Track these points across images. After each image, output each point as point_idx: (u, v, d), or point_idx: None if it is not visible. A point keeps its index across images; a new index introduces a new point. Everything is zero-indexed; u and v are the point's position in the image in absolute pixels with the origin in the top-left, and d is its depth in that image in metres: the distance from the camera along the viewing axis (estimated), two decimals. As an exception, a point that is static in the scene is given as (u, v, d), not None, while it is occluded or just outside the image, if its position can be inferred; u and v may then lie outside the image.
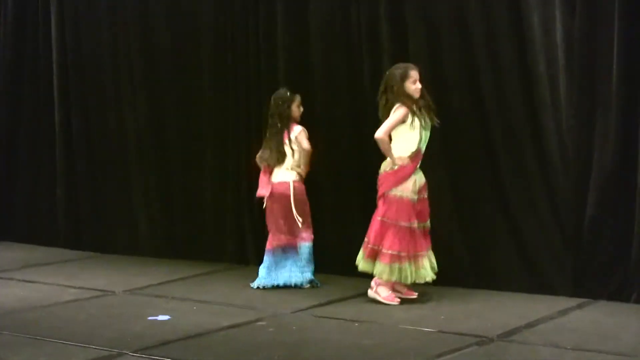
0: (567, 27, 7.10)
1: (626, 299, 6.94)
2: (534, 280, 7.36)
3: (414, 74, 7.04)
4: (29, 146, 10.27)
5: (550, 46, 7.18)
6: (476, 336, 6.10)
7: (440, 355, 5.71)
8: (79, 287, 7.91)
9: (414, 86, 7.03)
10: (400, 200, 7.06)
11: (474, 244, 7.65)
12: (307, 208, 7.78)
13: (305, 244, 7.75)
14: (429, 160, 7.51)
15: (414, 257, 7.05)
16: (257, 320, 6.68)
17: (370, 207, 7.63)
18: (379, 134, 7.07)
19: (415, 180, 7.09)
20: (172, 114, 9.21)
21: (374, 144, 7.38)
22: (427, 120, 7.09)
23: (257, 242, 8.65)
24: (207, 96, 8.99)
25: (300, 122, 7.77)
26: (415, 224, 7.06)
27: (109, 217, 9.70)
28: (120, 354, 5.88)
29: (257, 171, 8.11)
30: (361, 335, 6.24)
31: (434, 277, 7.11)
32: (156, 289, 7.83)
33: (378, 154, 7.27)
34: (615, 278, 7.03)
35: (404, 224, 7.04)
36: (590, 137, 7.07)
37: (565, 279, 7.21)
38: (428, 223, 7.19)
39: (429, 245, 7.17)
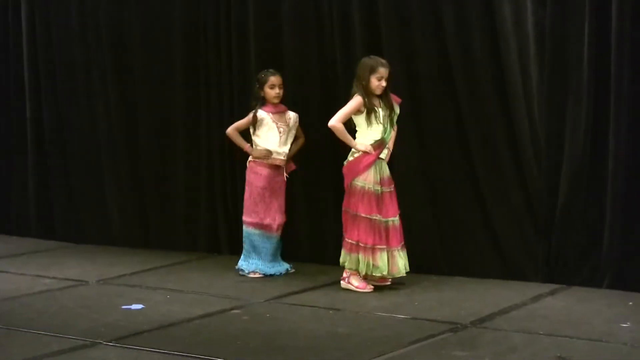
0: (538, 17, 7.13)
1: (598, 285, 6.99)
2: (506, 267, 7.41)
3: (382, 71, 7.06)
4: (0, 138, 10.19)
5: (522, 36, 7.21)
6: (450, 323, 6.14)
7: (414, 342, 5.74)
8: (52, 277, 7.88)
9: (377, 82, 7.06)
10: (361, 190, 7.10)
11: (447, 232, 7.69)
12: (253, 190, 7.81)
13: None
14: (401, 149, 7.56)
15: (371, 250, 7.07)
16: (232, 309, 6.68)
17: (341, 195, 7.66)
18: (331, 121, 7.16)
19: (377, 171, 7.11)
20: (144, 104, 9.17)
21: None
22: (391, 115, 7.13)
23: (229, 231, 8.66)
24: (178, 87, 8.96)
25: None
26: (375, 217, 7.07)
27: (81, 207, 9.67)
28: (94, 344, 5.86)
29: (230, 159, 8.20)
30: (335, 323, 6.26)
31: (397, 273, 7.13)
32: (129, 279, 7.82)
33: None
34: (587, 265, 7.08)
35: (362, 214, 7.07)
36: (562, 126, 7.11)
37: (537, 266, 7.26)
38: (396, 219, 7.16)
39: (397, 243, 7.14)
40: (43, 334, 6.10)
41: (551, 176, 7.17)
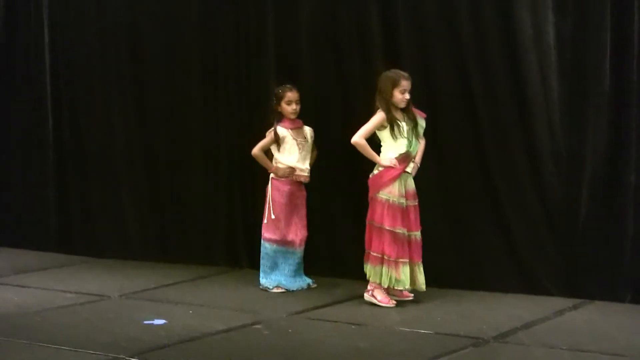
0: (560, 27, 7.12)
1: (621, 299, 6.96)
2: (528, 281, 7.37)
3: (405, 83, 7.06)
4: (21, 152, 10.24)
5: (543, 47, 7.20)
6: (472, 338, 6.12)
7: (436, 357, 5.72)
8: (74, 292, 7.89)
9: (401, 95, 7.05)
10: (385, 203, 7.09)
11: (467, 245, 7.66)
12: (276, 206, 7.79)
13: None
14: (420, 161, 7.54)
15: (394, 263, 7.05)
16: (253, 323, 6.67)
17: (362, 210, 7.64)
18: (354, 138, 7.17)
19: (402, 184, 7.10)
20: (162, 117, 9.19)
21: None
22: (416, 128, 7.14)
23: (250, 245, 8.65)
24: (197, 99, 8.98)
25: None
26: (399, 230, 7.06)
27: (100, 221, 9.68)
28: (116, 359, 5.86)
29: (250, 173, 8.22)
30: (357, 338, 6.23)
31: (418, 288, 7.14)
32: (151, 294, 7.82)
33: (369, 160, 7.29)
34: (610, 278, 7.05)
35: (387, 227, 7.06)
36: (583, 137, 7.09)
37: (559, 279, 7.23)
38: (418, 233, 7.17)
39: (419, 257, 7.15)
40: (64, 348, 6.09)
41: (572, 188, 7.14)
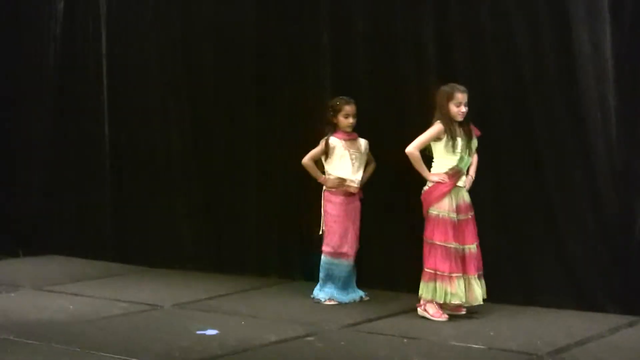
0: (617, 41, 7.05)
1: (677, 317, 6.88)
2: (583, 297, 7.29)
3: (460, 96, 7.05)
4: (78, 160, 10.36)
5: (600, 61, 7.14)
6: (525, 354, 6.07)
7: (489, 373, 5.70)
8: (128, 301, 7.95)
9: (457, 108, 7.05)
10: (436, 218, 7.09)
11: (521, 260, 7.60)
12: (329, 218, 7.81)
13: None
14: (476, 174, 7.52)
15: (448, 278, 7.03)
16: (306, 335, 6.67)
17: (415, 222, 7.62)
18: (409, 148, 7.18)
19: (453, 198, 7.09)
20: (217, 127, 9.25)
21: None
22: (469, 144, 7.13)
23: (303, 257, 8.66)
24: (252, 108, 9.02)
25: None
26: (452, 245, 7.04)
27: (154, 231, 9.75)
28: (169, 368, 5.91)
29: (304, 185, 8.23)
30: (410, 352, 6.21)
31: (474, 301, 7.10)
32: (204, 304, 7.85)
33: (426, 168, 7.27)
34: (666, 295, 6.97)
35: (438, 242, 7.06)
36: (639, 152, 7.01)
37: (615, 296, 7.15)
38: (473, 246, 7.13)
39: (474, 270, 7.10)
40: (117, 357, 6.13)
41: (629, 203, 7.07)
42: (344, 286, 7.79)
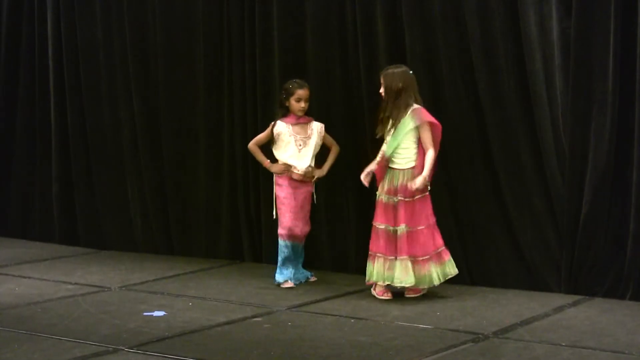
0: (564, 25, 7.10)
1: (622, 296, 6.95)
2: (529, 277, 7.38)
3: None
4: (25, 143, 10.27)
5: (547, 44, 7.19)
6: (472, 333, 6.12)
7: (435, 352, 5.72)
8: (75, 283, 7.91)
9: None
10: (377, 200, 7.19)
11: (469, 241, 7.66)
12: (279, 202, 7.76)
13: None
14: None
15: (373, 257, 7.14)
16: (253, 316, 6.68)
17: (363, 205, 7.66)
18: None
19: (386, 181, 7.16)
20: (167, 111, 9.19)
21: (370, 142, 7.44)
22: (393, 127, 7.15)
23: (252, 239, 8.67)
24: (201, 93, 8.98)
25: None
26: (380, 225, 7.13)
27: (104, 213, 9.70)
28: (116, 350, 5.88)
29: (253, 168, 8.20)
30: (357, 332, 6.24)
31: (392, 283, 7.07)
32: (152, 285, 7.83)
33: (373, 153, 7.29)
34: (611, 275, 7.04)
35: (375, 224, 7.18)
36: (586, 135, 7.07)
37: (560, 276, 7.23)
38: (402, 227, 7.05)
39: (401, 252, 7.03)
40: (65, 339, 6.12)
41: (575, 185, 7.13)
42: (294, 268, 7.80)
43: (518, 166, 7.40)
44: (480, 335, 6.06)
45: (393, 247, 7.08)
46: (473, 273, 7.61)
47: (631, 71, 6.89)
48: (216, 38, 8.85)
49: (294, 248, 7.75)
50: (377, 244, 7.13)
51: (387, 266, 7.07)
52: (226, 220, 8.92)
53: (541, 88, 7.22)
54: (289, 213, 7.70)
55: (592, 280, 7.09)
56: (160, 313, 6.80)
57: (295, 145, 7.67)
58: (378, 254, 7.11)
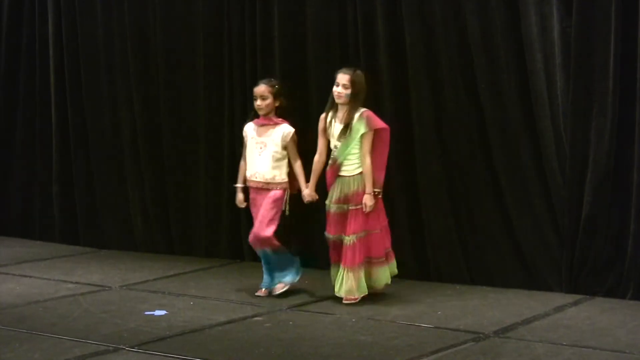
0: (564, 25, 7.10)
1: (622, 296, 6.96)
2: (530, 277, 7.38)
3: (338, 77, 7.02)
4: (26, 142, 10.27)
5: (547, 43, 7.18)
6: (472, 332, 6.12)
7: (436, 352, 5.72)
8: (75, 282, 7.92)
9: (334, 89, 7.04)
10: (326, 211, 7.13)
11: (470, 241, 7.66)
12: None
13: None
14: (424, 157, 7.56)
15: (334, 268, 7.11)
16: (254, 316, 6.69)
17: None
18: None
19: (336, 190, 7.02)
20: (167, 111, 9.19)
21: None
22: (349, 133, 6.95)
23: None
24: (202, 95, 8.98)
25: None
26: (327, 235, 7.09)
27: (104, 213, 9.70)
28: (116, 349, 5.88)
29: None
30: (357, 332, 6.24)
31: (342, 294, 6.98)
32: (152, 285, 7.84)
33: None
34: (611, 275, 7.05)
35: (325, 234, 7.15)
36: (587, 135, 7.07)
37: (561, 276, 7.23)
38: (345, 237, 6.94)
39: (341, 260, 6.97)
40: (65, 338, 6.12)
41: (575, 185, 7.13)
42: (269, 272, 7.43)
43: (518, 166, 7.40)
44: (481, 335, 6.07)
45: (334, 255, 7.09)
46: (474, 272, 7.61)
47: (632, 71, 6.89)
48: (217, 38, 8.84)
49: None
50: (334, 255, 7.08)
51: (340, 276, 6.99)
52: (226, 220, 8.92)
53: (542, 88, 7.22)
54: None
55: (593, 279, 7.09)
56: (161, 312, 6.80)
57: (256, 147, 7.28)
58: (337, 265, 7.02)
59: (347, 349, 5.83)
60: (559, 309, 6.73)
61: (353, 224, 6.94)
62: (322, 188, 7.27)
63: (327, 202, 7.07)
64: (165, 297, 7.36)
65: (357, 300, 6.96)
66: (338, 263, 7.02)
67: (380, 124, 6.97)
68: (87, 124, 9.74)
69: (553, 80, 7.18)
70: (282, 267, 7.35)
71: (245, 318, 6.64)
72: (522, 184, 7.41)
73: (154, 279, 8.04)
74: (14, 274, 8.32)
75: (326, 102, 7.66)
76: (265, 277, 7.41)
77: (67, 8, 9.74)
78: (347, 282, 6.93)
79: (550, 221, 7.31)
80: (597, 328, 6.21)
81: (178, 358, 5.70)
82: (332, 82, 8.01)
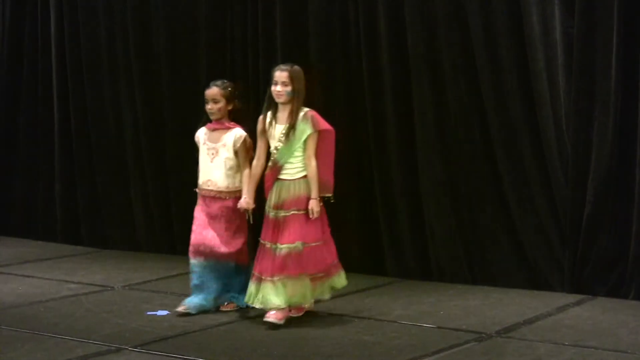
0: (567, 26, 7.10)
1: (624, 296, 6.96)
2: (532, 277, 7.38)
3: (276, 75, 6.50)
4: (28, 142, 10.28)
5: (550, 44, 7.18)
6: (474, 332, 6.12)
7: (438, 351, 5.73)
8: (78, 282, 7.92)
9: (272, 87, 6.53)
10: (264, 215, 6.57)
11: (472, 240, 7.66)
12: None
13: None
14: (426, 157, 7.56)
15: (255, 277, 6.50)
16: (256, 316, 6.68)
17: (366, 206, 7.64)
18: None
19: (274, 194, 6.50)
20: (170, 110, 9.19)
21: (373, 142, 7.42)
22: (292, 134, 6.46)
23: (253, 238, 8.64)
24: (203, 94, 8.95)
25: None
26: (264, 242, 6.49)
27: (107, 213, 9.70)
28: (119, 349, 5.88)
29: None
30: (360, 331, 6.25)
31: (260, 306, 6.42)
32: (155, 285, 7.84)
33: (376, 154, 7.27)
34: (614, 275, 7.05)
35: (260, 239, 6.59)
36: (589, 135, 7.07)
37: (563, 275, 7.23)
38: (280, 245, 6.38)
39: (277, 272, 6.35)
40: (68, 338, 6.12)
41: (578, 185, 7.13)
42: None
43: (521, 166, 7.40)
44: (483, 335, 6.07)
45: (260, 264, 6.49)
46: (476, 272, 7.61)
47: (634, 71, 6.90)
48: (219, 38, 8.85)
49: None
50: (261, 263, 6.46)
51: (261, 286, 6.42)
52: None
53: (544, 88, 7.22)
54: (195, 230, 6.96)
55: (595, 279, 7.09)
56: (164, 312, 6.80)
57: (208, 154, 6.92)
58: (261, 275, 6.44)
59: (350, 349, 5.83)
60: (561, 309, 6.73)
61: (291, 233, 6.40)
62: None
63: (266, 206, 6.52)
64: (168, 297, 7.36)
65: (302, 312, 6.60)
66: (261, 275, 6.43)
67: (325, 125, 6.51)
68: (90, 124, 9.74)
69: (555, 81, 7.18)
70: (233, 283, 6.91)
71: (247, 318, 6.64)
72: (524, 184, 7.41)
73: (157, 279, 8.04)
74: (16, 274, 8.33)
75: (327, 100, 7.74)
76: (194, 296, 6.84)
77: (69, 7, 9.75)
78: (286, 290, 6.35)
79: (553, 221, 7.31)
80: (599, 328, 6.21)
81: (180, 358, 5.70)
82: (334, 81, 8.07)
